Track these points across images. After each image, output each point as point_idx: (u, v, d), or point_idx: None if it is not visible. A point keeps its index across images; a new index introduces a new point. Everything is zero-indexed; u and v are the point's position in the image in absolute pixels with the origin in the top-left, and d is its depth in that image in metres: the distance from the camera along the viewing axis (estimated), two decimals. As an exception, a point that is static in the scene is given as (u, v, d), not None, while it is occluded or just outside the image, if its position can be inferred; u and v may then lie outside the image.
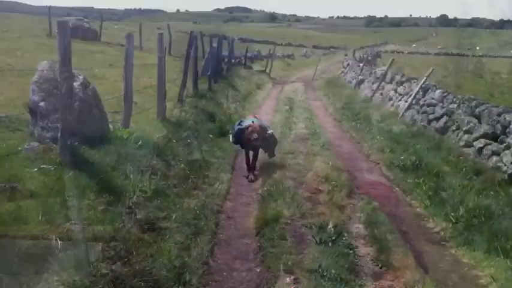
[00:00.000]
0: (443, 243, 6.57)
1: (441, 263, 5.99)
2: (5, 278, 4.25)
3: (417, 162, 9.82)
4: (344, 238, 6.19)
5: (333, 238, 6.07)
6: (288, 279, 5.05)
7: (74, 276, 4.39)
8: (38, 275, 4.49)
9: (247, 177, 9.09)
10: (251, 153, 9.42)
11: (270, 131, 9.48)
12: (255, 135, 8.91)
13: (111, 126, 8.49)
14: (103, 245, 4.95)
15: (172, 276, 4.85)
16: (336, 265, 5.38)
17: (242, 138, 9.28)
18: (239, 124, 9.55)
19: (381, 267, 5.73)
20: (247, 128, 9.12)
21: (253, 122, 9.34)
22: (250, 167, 9.27)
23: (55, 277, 4.41)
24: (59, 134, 6.71)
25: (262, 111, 17.38)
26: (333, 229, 6.32)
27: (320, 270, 5.20)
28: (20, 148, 6.95)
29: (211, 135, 11.43)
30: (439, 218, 7.26)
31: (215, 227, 6.57)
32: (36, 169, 6.44)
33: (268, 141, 9.34)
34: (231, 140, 9.84)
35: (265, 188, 7.99)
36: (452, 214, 7.18)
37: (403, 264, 5.65)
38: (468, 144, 10.75)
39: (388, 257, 5.86)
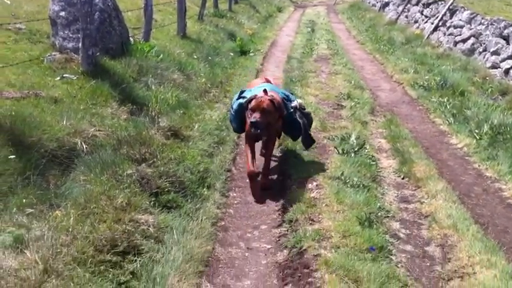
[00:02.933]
0: (466, 158, 6.51)
1: (464, 176, 5.95)
2: (33, 177, 4.32)
3: (442, 82, 9.61)
4: (366, 150, 6.16)
5: (355, 149, 6.04)
6: (310, 185, 5.08)
7: (100, 175, 4.45)
8: (65, 174, 4.57)
9: (255, 195, 5.21)
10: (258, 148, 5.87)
11: (294, 103, 5.54)
12: (257, 116, 4.94)
13: (131, 39, 8.38)
14: (128, 149, 4.99)
15: (196, 179, 4.92)
16: (358, 174, 5.39)
17: (243, 120, 5.46)
18: (240, 96, 5.52)
19: (403, 178, 5.73)
20: (249, 101, 5.17)
21: (265, 90, 5.22)
22: (262, 174, 5.38)
23: (82, 176, 4.49)
24: (80, 44, 6.64)
25: (284, 33, 17.07)
26: (355, 141, 6.28)
27: (342, 177, 5.21)
28: (41, 58, 6.91)
29: (231, 54, 11.28)
30: (462, 134, 7.16)
31: (237, 138, 6.58)
32: (58, 78, 6.44)
33: (292, 122, 5.48)
34: (231, 123, 5.97)
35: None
36: (477, 131, 7.07)
37: (425, 176, 5.63)
38: (495, 66, 10.49)
39: (410, 169, 5.84)
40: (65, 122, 5.27)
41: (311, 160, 5.76)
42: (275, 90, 5.52)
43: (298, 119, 5.46)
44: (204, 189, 4.84)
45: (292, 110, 5.44)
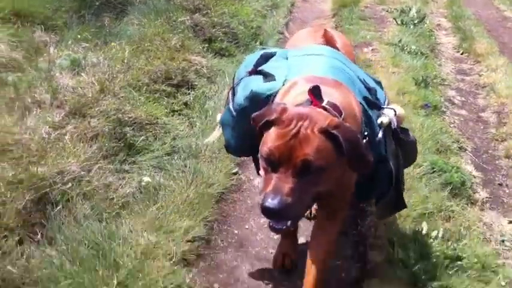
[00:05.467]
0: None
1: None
2: (87, 16, 4.31)
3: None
4: (426, 24, 5.89)
5: (415, 22, 5.78)
6: (365, 49, 4.93)
7: (154, 20, 4.40)
8: (119, 18, 4.54)
9: None
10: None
11: (388, 114, 1.99)
12: (282, 190, 1.53)
13: None
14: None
15: (249, 33, 4.83)
16: (416, 43, 5.17)
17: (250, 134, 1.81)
18: (256, 69, 2.08)
19: (462, 54, 5.52)
20: (266, 124, 1.65)
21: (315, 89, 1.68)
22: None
23: (136, 21, 4.45)
24: None
25: None
26: (415, 14, 6.00)
27: (400, 44, 5.02)
28: None
29: None
30: (528, 21, 6.78)
31: (291, 6, 6.38)
32: None
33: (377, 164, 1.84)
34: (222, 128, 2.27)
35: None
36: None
37: (486, 52, 5.39)
38: None
39: (470, 46, 5.59)
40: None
41: (368, 28, 5.55)
42: (345, 75, 2.04)
43: (389, 158, 2.01)
44: (257, 43, 4.76)
45: (380, 134, 1.98)
